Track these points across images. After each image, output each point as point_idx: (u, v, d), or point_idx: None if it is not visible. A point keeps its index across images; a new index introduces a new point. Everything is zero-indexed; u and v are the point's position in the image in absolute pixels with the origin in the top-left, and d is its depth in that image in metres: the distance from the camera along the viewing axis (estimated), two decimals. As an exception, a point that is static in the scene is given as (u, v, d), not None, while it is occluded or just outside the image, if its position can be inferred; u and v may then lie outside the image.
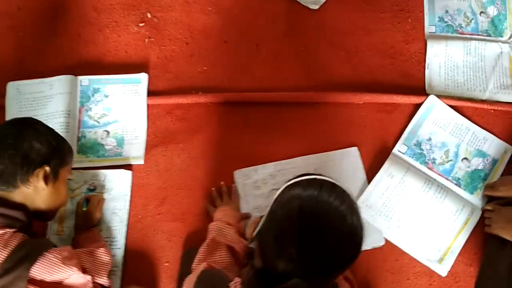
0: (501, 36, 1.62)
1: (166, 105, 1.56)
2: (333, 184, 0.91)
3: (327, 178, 0.92)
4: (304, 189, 0.89)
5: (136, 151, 1.50)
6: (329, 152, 1.50)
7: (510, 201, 1.34)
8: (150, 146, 1.52)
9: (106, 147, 1.51)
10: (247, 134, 1.53)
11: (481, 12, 1.66)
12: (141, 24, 1.66)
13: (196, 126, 1.55)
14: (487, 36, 1.63)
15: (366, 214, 1.41)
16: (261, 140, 1.52)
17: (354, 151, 1.50)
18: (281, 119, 1.55)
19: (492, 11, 1.65)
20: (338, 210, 0.86)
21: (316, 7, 1.67)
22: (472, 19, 1.65)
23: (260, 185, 1.46)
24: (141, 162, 1.49)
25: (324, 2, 1.68)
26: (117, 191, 1.45)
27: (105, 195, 1.45)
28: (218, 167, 1.49)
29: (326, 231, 0.83)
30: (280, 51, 1.64)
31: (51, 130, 1.21)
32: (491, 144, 1.49)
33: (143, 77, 1.57)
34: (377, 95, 1.53)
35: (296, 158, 1.49)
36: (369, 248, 1.39)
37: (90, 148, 1.51)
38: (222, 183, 1.45)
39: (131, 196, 1.46)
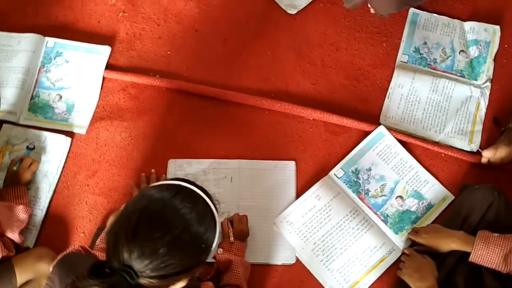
0: (475, 80, 1.55)
1: (121, 82, 1.58)
2: (194, 192, 0.91)
3: (192, 187, 0.92)
4: (160, 191, 0.89)
5: (81, 120, 1.53)
6: (266, 160, 1.48)
7: (428, 250, 1.30)
8: (96, 118, 1.54)
9: (55, 110, 1.55)
10: (192, 126, 1.53)
11: (461, 51, 1.59)
12: (120, -3, 1.67)
13: (146, 107, 1.56)
14: (460, 76, 1.56)
15: (285, 229, 1.40)
16: (204, 135, 1.52)
17: (291, 165, 1.48)
18: (229, 118, 1.54)
19: (473, 51, 1.58)
20: (184, 217, 0.86)
21: (294, 11, 1.64)
22: (450, 56, 1.58)
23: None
24: (83, 132, 1.52)
25: (303, 9, 1.64)
26: (53, 155, 1.49)
27: (42, 157, 1.49)
28: (156, 152, 1.50)
29: (162, 235, 0.83)
30: (246, 50, 1.62)
31: None
32: (432, 188, 1.44)
33: (105, 50, 1.59)
34: (328, 115, 1.50)
35: (232, 159, 1.48)
36: (279, 264, 1.38)
37: (41, 108, 1.55)
38: (153, 170, 1.46)
39: (65, 162, 1.49)
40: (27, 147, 1.50)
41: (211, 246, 0.93)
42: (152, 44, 1.63)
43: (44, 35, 1.61)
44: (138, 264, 0.82)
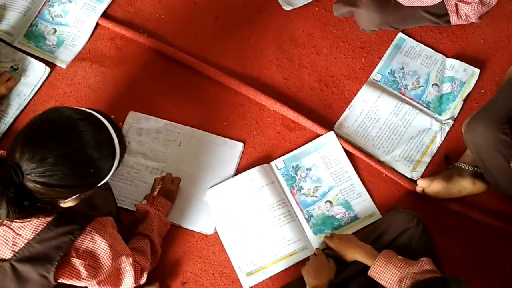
0: (439, 115, 1.57)
1: (112, 31, 1.69)
2: (102, 123, 1.00)
3: (102, 118, 1.01)
4: (71, 111, 0.98)
5: (65, 56, 1.65)
6: (218, 136, 1.55)
7: (335, 256, 1.34)
8: (79, 58, 1.66)
9: (47, 41, 1.67)
10: (161, 86, 1.62)
11: (435, 84, 1.61)
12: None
13: (126, 60, 1.66)
14: (426, 107, 1.58)
15: (213, 201, 1.46)
16: (169, 97, 1.61)
17: (239, 146, 1.54)
18: (197, 88, 1.62)
19: (446, 88, 1.60)
20: (81, 138, 0.95)
21: (289, 8, 1.71)
22: (422, 86, 1.61)
23: (143, 133, 1.55)
24: (64, 66, 1.64)
25: (298, 8, 1.71)
26: (31, 80, 1.61)
27: (21, 78, 1.61)
28: (121, 101, 1.60)
29: (54, 146, 0.91)
30: (233, 32, 1.70)
31: None
32: (362, 202, 1.47)
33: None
34: (287, 109, 1.55)
35: (187, 127, 1.56)
36: (197, 231, 1.45)
37: (35, 37, 1.68)
38: (112, 116, 1.55)
39: (39, 89, 1.61)
40: (11, 67, 1.63)
41: (102, 174, 1.01)
42: (150, 6, 1.74)
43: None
44: (26, 165, 0.91)
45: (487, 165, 1.34)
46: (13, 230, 1.03)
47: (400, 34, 1.67)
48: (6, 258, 1.04)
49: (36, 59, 1.63)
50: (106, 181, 1.10)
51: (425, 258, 1.17)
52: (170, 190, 1.45)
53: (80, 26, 1.69)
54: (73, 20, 1.70)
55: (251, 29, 1.70)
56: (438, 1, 1.46)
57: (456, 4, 1.54)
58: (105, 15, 1.71)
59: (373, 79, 1.62)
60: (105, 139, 1.01)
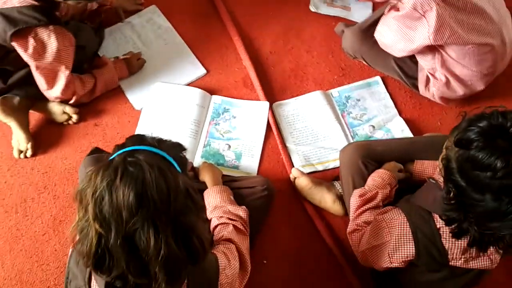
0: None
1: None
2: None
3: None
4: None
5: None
6: (193, 54, 1.91)
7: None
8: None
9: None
10: (189, 5, 2.02)
11: (372, 126, 1.79)
12: None
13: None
14: (351, 136, 1.77)
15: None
16: (188, 13, 2.00)
17: (200, 70, 1.89)
18: (209, 19, 2.00)
19: (378, 134, 1.76)
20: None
21: (313, 9, 2.02)
22: (361, 121, 1.80)
23: (149, 23, 1.97)
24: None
25: (320, 14, 2.00)
26: None
27: None
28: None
29: None
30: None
31: None
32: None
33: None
34: (253, 71, 1.86)
35: (179, 36, 1.94)
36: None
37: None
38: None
39: None
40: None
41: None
42: None
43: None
44: None
45: (343, 185, 1.53)
46: None
47: (378, 77, 1.88)
48: None
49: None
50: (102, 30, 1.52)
51: None
52: (132, 63, 1.84)
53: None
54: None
55: (276, 6, 2.03)
56: (403, 55, 1.66)
57: (428, 76, 1.73)
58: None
59: (331, 93, 1.86)
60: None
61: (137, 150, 0.97)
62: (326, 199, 1.61)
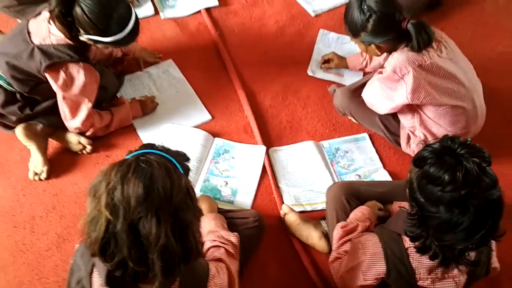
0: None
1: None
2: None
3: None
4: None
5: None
6: (200, 101, 2.14)
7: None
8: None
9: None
10: (199, 60, 2.30)
11: (358, 175, 1.97)
12: None
13: (192, 34, 2.39)
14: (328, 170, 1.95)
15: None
16: (199, 67, 2.26)
17: (206, 116, 2.10)
18: (216, 72, 2.26)
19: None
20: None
21: (310, 74, 2.28)
22: (348, 170, 1.98)
23: (165, 74, 2.23)
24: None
25: (316, 78, 2.26)
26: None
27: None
28: (169, 51, 2.31)
29: None
30: (270, 65, 2.32)
31: None
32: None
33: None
34: (254, 121, 2.08)
35: (190, 87, 2.19)
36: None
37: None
38: (160, 55, 2.27)
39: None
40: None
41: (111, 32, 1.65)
42: (237, 22, 2.47)
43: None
44: None
45: (328, 219, 1.67)
46: (50, 32, 1.72)
47: (365, 134, 2.09)
48: (35, 42, 1.73)
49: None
50: (122, 76, 1.79)
51: None
52: (147, 105, 2.06)
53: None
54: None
55: (278, 68, 2.30)
56: (386, 112, 1.87)
57: (408, 134, 1.93)
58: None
59: (322, 144, 2.06)
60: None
61: (149, 153, 1.14)
62: (313, 236, 1.74)
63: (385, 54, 1.82)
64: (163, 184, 1.07)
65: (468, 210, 1.07)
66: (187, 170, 1.23)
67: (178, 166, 1.16)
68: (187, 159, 1.25)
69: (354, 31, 1.73)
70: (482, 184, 1.07)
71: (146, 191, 1.04)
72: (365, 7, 1.64)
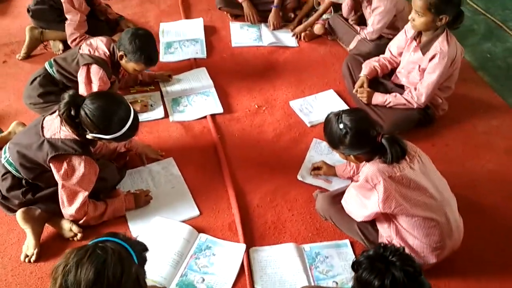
0: None
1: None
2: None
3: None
4: None
5: None
6: (192, 199, 2.27)
7: None
8: None
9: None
10: (198, 159, 2.48)
11: (335, 281, 1.97)
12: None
13: (195, 136, 2.60)
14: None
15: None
16: (196, 166, 2.43)
17: (195, 211, 2.21)
18: (210, 173, 2.42)
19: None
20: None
21: (300, 178, 2.39)
22: (326, 276, 1.99)
23: (164, 170, 2.40)
24: None
25: (306, 184, 2.38)
26: None
27: None
28: (171, 153, 2.51)
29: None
30: (259, 169, 2.47)
31: None
32: None
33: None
34: (239, 220, 2.17)
35: (185, 183, 2.34)
36: (130, 229, 2.13)
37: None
38: (162, 153, 2.47)
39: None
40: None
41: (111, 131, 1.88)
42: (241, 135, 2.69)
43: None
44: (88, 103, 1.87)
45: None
46: (60, 128, 1.96)
47: (347, 241, 2.12)
48: (46, 136, 1.96)
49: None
50: (124, 170, 2.02)
51: None
52: (140, 199, 2.21)
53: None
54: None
55: (269, 171, 2.44)
56: (362, 220, 1.93)
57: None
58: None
59: (303, 247, 2.10)
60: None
61: (108, 240, 1.26)
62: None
63: (364, 162, 1.93)
64: (114, 271, 1.17)
65: None
66: (143, 260, 1.32)
67: (134, 255, 1.26)
68: (146, 249, 1.35)
69: (333, 144, 1.88)
70: None
71: (96, 276, 1.15)
72: (342, 124, 1.80)
